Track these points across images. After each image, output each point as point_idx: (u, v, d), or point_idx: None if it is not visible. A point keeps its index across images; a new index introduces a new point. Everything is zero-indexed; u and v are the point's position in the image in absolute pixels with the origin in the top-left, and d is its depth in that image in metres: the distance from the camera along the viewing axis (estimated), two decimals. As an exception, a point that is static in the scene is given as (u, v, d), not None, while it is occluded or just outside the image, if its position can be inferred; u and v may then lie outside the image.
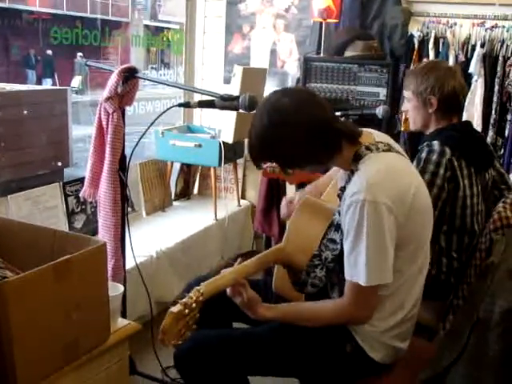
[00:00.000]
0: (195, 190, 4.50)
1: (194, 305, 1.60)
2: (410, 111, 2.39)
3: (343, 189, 1.71)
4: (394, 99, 3.68)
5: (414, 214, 1.65)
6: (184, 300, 1.60)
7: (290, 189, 3.43)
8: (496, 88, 3.53)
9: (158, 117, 2.21)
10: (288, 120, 1.63)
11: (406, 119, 2.72)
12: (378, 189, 1.58)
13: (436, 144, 2.22)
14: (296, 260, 1.83)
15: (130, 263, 2.54)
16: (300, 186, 3.08)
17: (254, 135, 1.69)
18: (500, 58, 3.51)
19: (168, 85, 2.67)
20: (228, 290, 1.77)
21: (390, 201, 1.58)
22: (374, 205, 1.57)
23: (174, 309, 1.57)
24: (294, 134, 1.63)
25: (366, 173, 1.63)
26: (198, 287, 1.65)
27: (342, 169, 1.79)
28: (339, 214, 1.71)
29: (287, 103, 1.64)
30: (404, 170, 1.73)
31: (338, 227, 1.72)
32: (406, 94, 2.39)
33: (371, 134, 1.77)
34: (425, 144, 2.26)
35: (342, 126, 1.70)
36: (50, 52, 6.07)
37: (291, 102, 1.65)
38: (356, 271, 1.62)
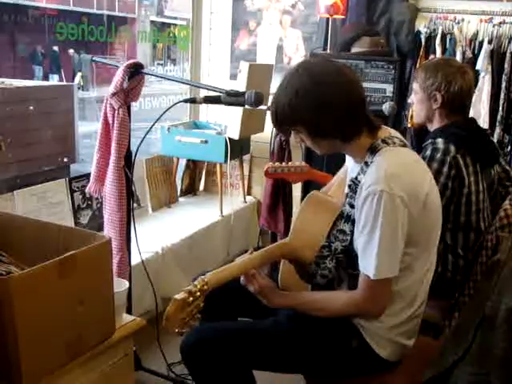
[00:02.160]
0: (201, 186, 4.50)
1: (198, 293, 1.61)
2: (415, 104, 2.38)
3: (355, 180, 1.70)
4: (401, 96, 3.67)
5: (426, 212, 1.65)
6: (188, 288, 1.60)
7: (296, 186, 3.42)
8: (503, 85, 3.52)
9: (163, 112, 2.21)
10: (331, 82, 1.61)
11: (413, 116, 2.71)
12: (396, 181, 1.58)
13: (440, 142, 2.21)
14: (302, 254, 1.83)
15: (135, 259, 2.54)
16: (306, 186, 3.09)
17: (287, 91, 1.64)
18: (508, 55, 3.50)
19: (174, 80, 2.66)
20: (242, 279, 1.80)
21: (405, 194, 1.58)
22: (391, 196, 1.56)
23: (179, 296, 1.57)
24: (333, 97, 1.60)
25: (384, 164, 1.62)
26: (203, 276, 1.66)
27: (354, 159, 1.78)
28: (350, 205, 1.70)
29: (332, 68, 1.64)
30: (419, 167, 1.73)
31: (348, 218, 1.71)
32: (414, 86, 2.38)
33: (387, 130, 1.77)
34: (429, 141, 2.25)
35: (369, 114, 1.71)
36: (56, 48, 6.07)
37: (336, 68, 1.65)
38: (368, 263, 1.62)
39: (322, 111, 1.61)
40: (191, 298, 1.59)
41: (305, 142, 1.75)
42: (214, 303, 1.81)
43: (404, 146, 1.72)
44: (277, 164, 2.57)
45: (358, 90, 1.67)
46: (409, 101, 2.52)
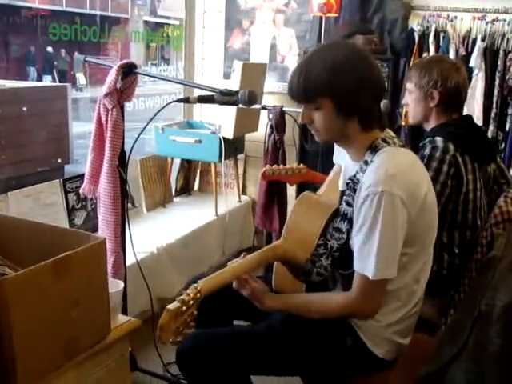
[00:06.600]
0: (196, 186, 4.50)
1: (191, 302, 1.59)
2: (411, 104, 2.36)
3: (354, 178, 1.70)
4: (395, 94, 3.67)
5: (423, 213, 1.65)
6: (181, 297, 1.59)
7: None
8: (497, 82, 3.52)
9: (157, 112, 2.20)
10: (369, 60, 1.65)
11: (407, 114, 2.71)
12: (396, 181, 1.57)
13: (439, 140, 2.20)
14: (295, 256, 1.82)
15: (130, 259, 2.54)
16: (300, 185, 3.08)
17: (321, 63, 1.61)
18: (501, 52, 3.50)
19: (168, 80, 2.66)
20: (234, 283, 1.78)
21: (405, 195, 1.58)
22: (391, 197, 1.56)
23: (171, 306, 1.55)
24: (371, 74, 1.63)
25: (385, 165, 1.61)
26: (195, 284, 1.64)
27: (351, 156, 1.77)
28: (347, 204, 1.70)
29: (366, 52, 1.70)
30: (418, 168, 1.73)
31: (345, 217, 1.71)
32: (409, 86, 2.37)
33: (387, 130, 1.76)
34: (427, 140, 2.24)
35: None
36: (49, 49, 6.05)
37: (368, 55, 1.68)
38: (366, 264, 1.61)
39: (363, 86, 1.61)
40: (184, 307, 1.57)
41: (313, 124, 1.70)
42: (208, 307, 1.80)
43: (403, 146, 1.73)
44: (274, 166, 2.56)
45: (383, 79, 1.72)
46: (403, 102, 2.50)
